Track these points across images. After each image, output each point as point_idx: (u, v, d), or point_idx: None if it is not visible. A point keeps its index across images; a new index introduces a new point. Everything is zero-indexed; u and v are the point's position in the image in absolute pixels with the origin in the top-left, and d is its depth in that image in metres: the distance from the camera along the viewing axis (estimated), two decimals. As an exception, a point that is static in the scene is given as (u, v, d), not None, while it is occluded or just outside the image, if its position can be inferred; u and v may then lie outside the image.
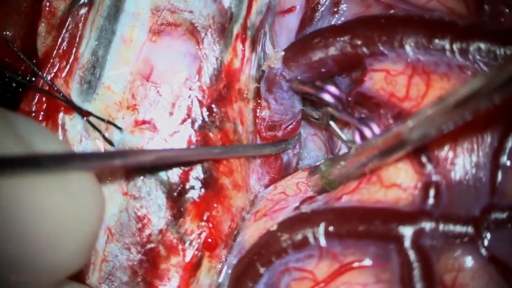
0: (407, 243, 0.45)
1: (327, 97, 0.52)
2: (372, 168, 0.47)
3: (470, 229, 0.45)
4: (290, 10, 0.56)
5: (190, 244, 0.51)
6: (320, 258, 0.47)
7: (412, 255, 0.45)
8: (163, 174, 0.51)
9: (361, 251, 0.46)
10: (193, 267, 0.51)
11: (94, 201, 0.39)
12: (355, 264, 0.46)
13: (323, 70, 0.51)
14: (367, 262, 0.46)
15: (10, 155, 0.32)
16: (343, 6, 0.53)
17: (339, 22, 0.53)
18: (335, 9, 0.53)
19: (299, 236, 0.47)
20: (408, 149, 0.43)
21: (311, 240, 0.46)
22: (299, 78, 0.53)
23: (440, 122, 0.39)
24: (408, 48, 0.47)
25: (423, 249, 0.45)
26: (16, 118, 0.38)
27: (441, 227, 0.45)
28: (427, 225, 0.45)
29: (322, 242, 0.46)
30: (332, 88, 0.51)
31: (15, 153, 0.33)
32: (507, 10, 0.48)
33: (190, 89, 0.52)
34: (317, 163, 0.54)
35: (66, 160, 0.35)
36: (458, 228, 0.45)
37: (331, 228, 0.46)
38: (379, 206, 0.46)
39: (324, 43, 0.50)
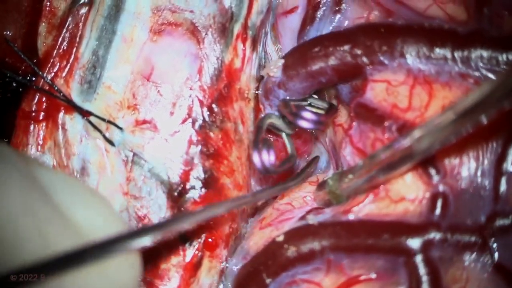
0: (416, 256, 0.44)
1: (304, 124, 0.50)
2: (381, 181, 0.47)
3: (477, 238, 0.45)
4: (292, 10, 0.56)
5: (190, 244, 0.51)
6: (328, 271, 0.46)
7: (421, 268, 0.44)
8: (163, 174, 0.51)
9: (369, 264, 0.46)
10: (194, 267, 0.51)
11: (133, 274, 0.37)
12: (362, 277, 0.46)
13: (322, 79, 0.50)
14: (375, 275, 0.46)
15: (59, 255, 0.30)
16: (345, 6, 0.52)
17: (341, 23, 0.53)
18: (337, 8, 0.53)
19: (306, 250, 0.46)
20: (417, 160, 0.43)
21: (319, 253, 0.46)
22: (286, 97, 0.52)
23: (448, 131, 0.39)
24: (408, 57, 0.47)
25: (432, 261, 0.44)
26: (50, 179, 0.36)
27: (449, 237, 0.45)
28: (436, 236, 0.45)
29: (330, 256, 0.46)
30: (308, 114, 0.50)
31: (64, 250, 0.31)
32: (507, 13, 0.48)
33: (190, 88, 0.52)
34: (325, 178, 0.53)
35: (114, 246, 0.33)
36: (466, 238, 0.45)
37: (339, 242, 0.45)
38: (387, 219, 0.46)
39: (324, 52, 0.49)
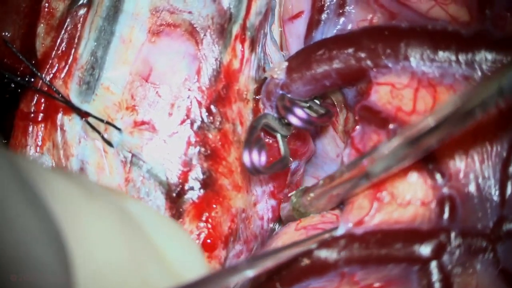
0: (428, 263, 0.44)
1: (294, 120, 0.50)
2: (342, 198, 0.48)
3: (487, 243, 0.45)
4: (298, 15, 0.56)
5: (189, 245, 0.51)
6: (341, 282, 0.46)
7: (434, 274, 0.44)
8: (162, 175, 0.51)
9: (383, 274, 0.45)
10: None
11: None
12: (376, 285, 0.46)
13: (326, 82, 0.50)
14: (387, 283, 0.46)
15: None
16: (348, 8, 0.52)
17: (345, 25, 0.52)
18: (341, 11, 0.52)
19: (319, 262, 0.46)
20: (373, 181, 0.44)
21: (332, 266, 0.46)
22: (288, 94, 0.52)
23: (403, 155, 0.40)
24: (413, 60, 0.47)
25: (444, 267, 0.44)
26: (140, 213, 0.35)
27: (461, 242, 0.45)
28: (447, 242, 0.45)
29: (344, 269, 0.45)
30: (299, 111, 0.50)
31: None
32: (509, 15, 0.48)
33: (189, 89, 0.52)
34: (289, 194, 0.54)
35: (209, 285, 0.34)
36: (478, 243, 0.45)
37: (352, 255, 0.45)
38: (398, 227, 0.46)
39: (328, 55, 0.49)
